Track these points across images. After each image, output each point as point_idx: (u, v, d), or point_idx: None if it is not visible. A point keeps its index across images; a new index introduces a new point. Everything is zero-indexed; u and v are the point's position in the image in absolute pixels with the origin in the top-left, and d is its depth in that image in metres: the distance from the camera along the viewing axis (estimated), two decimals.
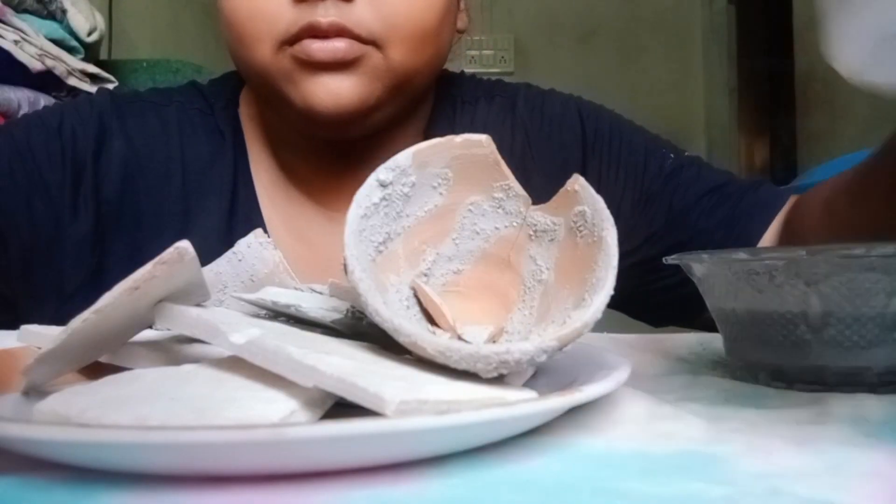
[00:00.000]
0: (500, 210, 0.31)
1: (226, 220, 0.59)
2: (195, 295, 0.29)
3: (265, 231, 0.60)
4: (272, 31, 0.52)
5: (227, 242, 0.62)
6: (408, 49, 0.52)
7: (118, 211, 0.58)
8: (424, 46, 0.53)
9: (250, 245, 0.35)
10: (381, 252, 0.29)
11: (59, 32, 1.24)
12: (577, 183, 0.29)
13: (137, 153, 0.59)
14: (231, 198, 0.60)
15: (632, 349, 0.41)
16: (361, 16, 0.51)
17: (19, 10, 1.16)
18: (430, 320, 0.30)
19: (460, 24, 0.61)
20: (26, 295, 0.58)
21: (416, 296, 0.30)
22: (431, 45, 0.54)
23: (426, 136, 0.56)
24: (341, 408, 0.22)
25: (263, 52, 0.53)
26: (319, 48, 0.50)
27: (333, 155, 0.59)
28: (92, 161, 0.58)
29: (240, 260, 0.34)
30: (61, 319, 0.29)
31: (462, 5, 0.62)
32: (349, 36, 0.50)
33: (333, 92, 0.51)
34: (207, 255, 0.57)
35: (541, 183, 0.37)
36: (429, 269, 0.31)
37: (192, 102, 0.63)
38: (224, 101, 0.63)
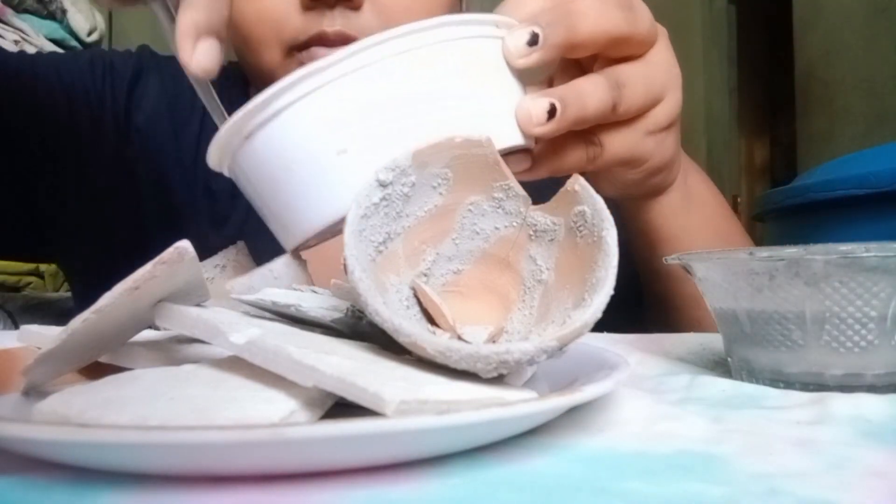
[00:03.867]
0: (500, 210, 0.31)
1: (230, 187, 0.62)
2: (195, 295, 0.29)
3: None
4: (279, 36, 0.53)
5: (228, 208, 0.64)
6: None
7: (146, 141, 0.63)
8: None
9: (288, 265, 0.35)
10: (381, 252, 0.29)
11: (59, 32, 1.24)
12: (577, 183, 0.29)
13: (167, 93, 0.64)
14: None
15: (632, 349, 0.41)
16: (367, 24, 0.52)
17: (19, 10, 1.16)
18: (430, 320, 0.30)
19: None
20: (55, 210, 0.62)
21: (416, 296, 0.30)
22: None
23: None
24: (341, 408, 0.22)
25: (272, 56, 0.54)
26: (326, 55, 0.51)
27: None
28: (129, 87, 0.63)
29: (276, 277, 0.35)
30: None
31: (463, 6, 0.62)
32: None
33: None
34: (207, 217, 0.60)
35: (541, 182, 0.37)
36: (429, 269, 0.31)
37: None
38: (239, 82, 0.67)
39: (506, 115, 0.34)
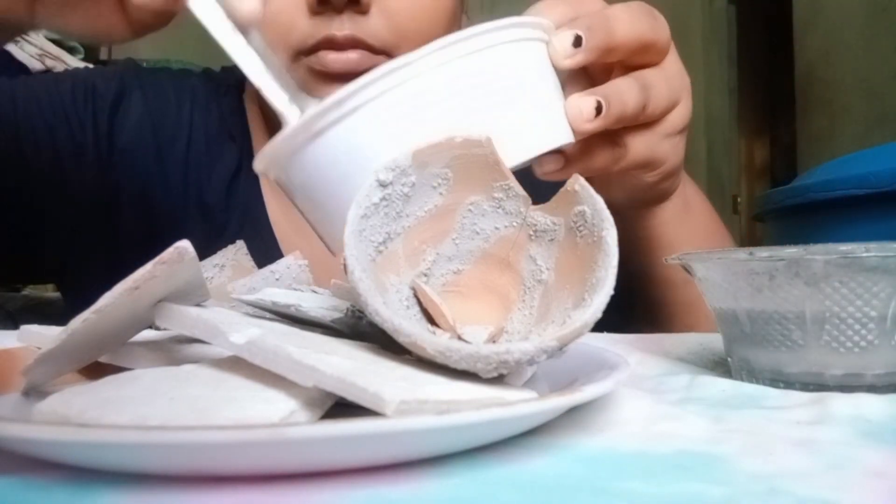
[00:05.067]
0: (500, 210, 0.31)
1: (223, 200, 0.62)
2: (195, 295, 0.29)
3: (266, 216, 0.62)
4: (287, 39, 0.53)
5: (223, 221, 0.65)
6: None
7: (130, 162, 0.63)
8: None
9: (289, 266, 0.35)
10: (381, 252, 0.29)
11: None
12: (577, 183, 0.29)
13: (151, 112, 0.64)
14: (231, 180, 0.63)
15: (632, 349, 0.41)
16: (375, 27, 0.52)
17: None
18: (430, 320, 0.30)
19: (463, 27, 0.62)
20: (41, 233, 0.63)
21: (416, 296, 0.30)
22: None
23: None
24: (341, 408, 0.22)
25: (279, 59, 0.54)
26: (335, 59, 0.52)
27: None
28: (111, 109, 0.63)
29: (277, 279, 0.35)
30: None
31: (464, 8, 0.62)
32: (363, 47, 0.53)
33: None
34: (200, 232, 0.61)
35: (541, 183, 0.37)
36: (429, 269, 0.31)
37: (206, 84, 0.67)
38: (233, 90, 0.67)
39: (557, 114, 0.36)
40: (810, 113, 2.25)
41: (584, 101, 0.36)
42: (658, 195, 0.50)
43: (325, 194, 0.33)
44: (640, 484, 0.20)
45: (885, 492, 0.20)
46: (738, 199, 3.47)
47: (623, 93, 0.38)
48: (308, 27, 0.52)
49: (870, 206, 1.03)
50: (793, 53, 2.39)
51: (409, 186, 0.29)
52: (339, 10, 0.51)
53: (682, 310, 0.55)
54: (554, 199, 0.30)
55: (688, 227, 0.53)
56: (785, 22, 2.55)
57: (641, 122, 0.41)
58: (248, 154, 0.64)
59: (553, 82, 0.36)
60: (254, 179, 0.63)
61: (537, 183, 0.37)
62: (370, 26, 0.52)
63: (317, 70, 0.53)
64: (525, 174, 0.38)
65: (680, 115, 0.44)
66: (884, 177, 1.01)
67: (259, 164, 0.34)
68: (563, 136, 0.36)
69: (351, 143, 0.31)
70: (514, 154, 0.32)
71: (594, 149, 0.41)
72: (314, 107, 0.31)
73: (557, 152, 0.39)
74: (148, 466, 0.20)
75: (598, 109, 0.37)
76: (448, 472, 0.21)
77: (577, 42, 0.36)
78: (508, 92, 0.33)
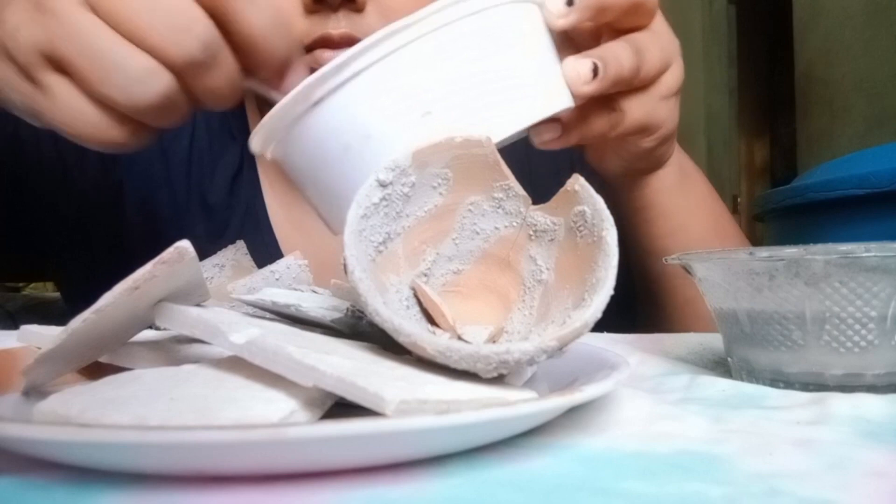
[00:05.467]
0: (500, 210, 0.31)
1: (226, 199, 0.62)
2: (195, 295, 0.29)
3: (266, 216, 0.62)
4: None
5: (225, 221, 0.65)
6: None
7: (132, 162, 0.62)
8: None
9: (289, 266, 0.35)
10: (381, 252, 0.29)
11: None
12: (577, 183, 0.29)
13: None
14: (233, 179, 0.63)
15: (632, 349, 0.41)
16: (371, 26, 0.52)
17: None
18: (430, 320, 0.30)
19: None
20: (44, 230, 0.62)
21: (416, 296, 0.30)
22: None
23: None
24: (341, 408, 0.22)
25: None
26: (331, 57, 0.52)
27: None
28: None
29: (277, 279, 0.35)
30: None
31: None
32: None
33: None
34: (203, 232, 0.61)
35: (541, 183, 0.37)
36: (429, 269, 0.31)
37: None
38: None
39: (557, 77, 0.36)
40: (810, 113, 2.25)
41: (581, 63, 0.37)
42: (654, 162, 0.50)
43: (326, 167, 0.32)
44: (640, 484, 0.20)
45: (885, 492, 0.20)
46: (738, 199, 3.47)
47: (618, 54, 0.39)
48: (304, 25, 0.52)
49: (870, 206, 1.04)
50: (793, 53, 2.39)
51: (409, 186, 0.29)
52: (334, 9, 0.51)
53: (682, 281, 0.55)
54: (554, 199, 0.30)
55: (686, 196, 0.53)
56: (785, 22, 2.55)
57: (636, 85, 0.42)
58: (248, 154, 0.64)
59: (550, 46, 0.37)
60: (255, 179, 0.63)
61: (537, 183, 0.37)
62: (366, 24, 0.52)
63: (313, 69, 0.53)
64: (525, 174, 0.38)
65: (673, 76, 0.44)
66: (884, 177, 1.02)
67: (256, 141, 0.33)
68: (563, 101, 0.36)
69: (352, 111, 0.30)
70: (517, 119, 0.32)
71: (591, 115, 0.41)
72: (312, 75, 0.30)
73: (555, 120, 0.39)
74: (148, 466, 0.20)
75: (595, 72, 0.37)
76: (448, 472, 0.21)
77: (570, 2, 0.37)
78: (509, 52, 0.33)
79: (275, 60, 0.34)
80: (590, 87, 0.37)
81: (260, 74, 0.35)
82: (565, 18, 0.37)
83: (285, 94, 0.31)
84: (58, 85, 0.33)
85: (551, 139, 0.40)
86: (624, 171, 0.50)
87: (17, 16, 0.32)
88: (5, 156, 0.58)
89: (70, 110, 0.33)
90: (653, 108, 0.43)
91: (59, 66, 0.32)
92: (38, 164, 0.60)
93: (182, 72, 0.32)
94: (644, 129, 0.44)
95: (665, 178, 0.51)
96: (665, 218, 0.52)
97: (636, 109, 0.42)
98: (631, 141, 0.45)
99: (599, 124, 0.41)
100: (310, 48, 0.52)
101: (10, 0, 0.33)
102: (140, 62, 0.31)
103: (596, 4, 0.38)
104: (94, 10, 0.31)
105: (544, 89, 0.34)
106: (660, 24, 0.43)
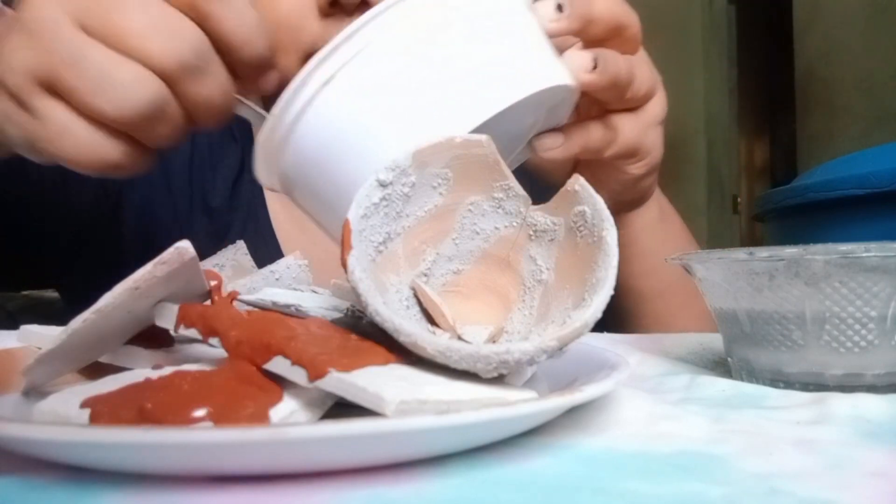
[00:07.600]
0: (499, 210, 0.31)
1: (227, 201, 0.62)
2: (195, 295, 0.29)
3: (267, 216, 0.62)
4: (297, 41, 0.53)
5: (227, 223, 0.65)
6: None
7: None
8: None
9: (289, 266, 0.35)
10: (381, 252, 0.29)
11: None
12: (577, 183, 0.29)
13: None
14: (234, 181, 0.63)
15: (632, 349, 0.41)
16: None
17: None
18: (430, 320, 0.30)
19: None
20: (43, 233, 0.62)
21: (416, 296, 0.30)
22: None
23: None
24: (341, 408, 0.22)
25: (288, 62, 0.54)
26: None
27: None
28: None
29: (277, 279, 0.35)
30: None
31: None
32: None
33: None
34: (204, 234, 0.61)
35: (541, 182, 0.38)
36: (429, 269, 0.31)
37: None
38: None
39: (555, 55, 0.36)
40: (810, 113, 2.25)
41: (581, 54, 0.38)
42: (640, 194, 0.51)
43: (321, 179, 0.32)
44: (640, 484, 0.20)
45: (885, 492, 0.20)
46: (738, 199, 3.47)
47: (616, 58, 0.40)
48: (319, 29, 0.52)
49: (870, 206, 1.04)
50: (793, 53, 2.39)
51: (409, 186, 0.29)
52: (349, 12, 0.51)
53: (652, 322, 0.57)
54: (554, 199, 0.30)
55: (664, 235, 0.55)
56: (785, 22, 2.55)
57: (629, 103, 0.43)
58: (249, 155, 0.64)
59: (540, 30, 0.37)
60: (256, 180, 0.64)
61: (537, 183, 0.37)
62: None
63: None
64: (525, 174, 0.38)
65: (659, 104, 0.45)
66: (884, 177, 1.02)
67: (260, 176, 0.34)
68: (566, 77, 0.36)
69: (330, 118, 0.31)
70: (520, 87, 0.32)
71: (590, 125, 0.42)
72: (280, 97, 0.31)
73: (556, 130, 0.40)
74: (148, 466, 0.20)
75: (594, 66, 0.38)
76: (448, 472, 0.21)
77: (560, 9, 0.38)
78: (508, 27, 0.33)
79: (257, 62, 0.35)
80: (591, 77, 0.38)
81: (246, 79, 0.35)
82: (557, 23, 0.37)
83: (274, 96, 0.32)
84: (52, 108, 0.33)
85: (554, 147, 0.40)
86: (611, 202, 0.50)
87: (9, 45, 0.33)
88: (6, 158, 0.58)
89: (65, 132, 0.33)
90: (643, 132, 0.44)
91: (53, 88, 0.32)
92: (38, 172, 0.60)
93: (173, 77, 0.32)
94: (635, 153, 0.45)
95: (646, 215, 0.53)
96: (643, 257, 0.54)
97: (629, 130, 0.43)
98: (621, 167, 0.46)
99: (597, 135, 0.42)
100: None
101: (7, 36, 0.33)
102: (129, 69, 0.31)
103: (585, 14, 0.39)
104: (84, 27, 0.32)
105: (547, 60, 0.35)
106: (643, 56, 0.44)
